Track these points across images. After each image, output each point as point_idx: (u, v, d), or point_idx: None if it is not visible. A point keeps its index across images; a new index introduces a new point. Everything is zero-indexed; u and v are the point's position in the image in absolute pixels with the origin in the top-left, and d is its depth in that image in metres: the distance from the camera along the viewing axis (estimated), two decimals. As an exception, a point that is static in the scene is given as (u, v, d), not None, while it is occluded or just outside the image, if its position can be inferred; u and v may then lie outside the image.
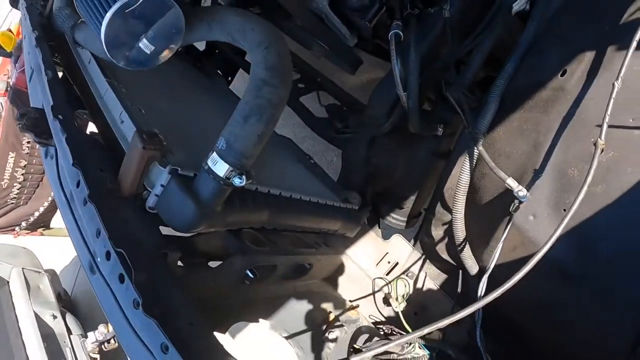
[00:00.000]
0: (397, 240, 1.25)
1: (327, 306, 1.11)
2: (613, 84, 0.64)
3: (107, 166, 0.73)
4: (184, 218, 0.66)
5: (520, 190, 0.74)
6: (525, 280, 0.62)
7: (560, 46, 0.86)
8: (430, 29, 1.10)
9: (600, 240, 0.68)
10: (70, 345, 2.68)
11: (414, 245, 1.23)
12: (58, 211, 2.86)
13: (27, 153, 2.44)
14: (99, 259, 0.68)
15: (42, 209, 2.61)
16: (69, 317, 2.93)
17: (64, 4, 1.04)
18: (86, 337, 2.73)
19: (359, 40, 1.11)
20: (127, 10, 0.62)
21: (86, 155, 0.73)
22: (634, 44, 0.63)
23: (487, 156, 0.82)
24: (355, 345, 0.98)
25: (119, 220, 0.67)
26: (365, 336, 1.03)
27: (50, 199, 2.64)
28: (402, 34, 0.98)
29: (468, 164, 0.91)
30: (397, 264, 1.21)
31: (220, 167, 0.64)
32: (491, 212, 0.88)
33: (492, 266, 0.75)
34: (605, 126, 0.62)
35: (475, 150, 0.89)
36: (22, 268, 2.89)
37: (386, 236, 1.30)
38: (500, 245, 0.76)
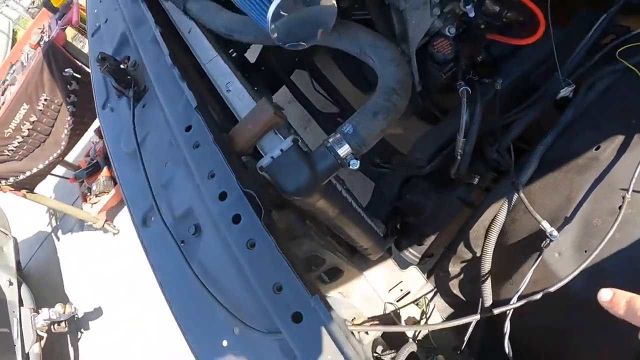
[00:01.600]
0: (413, 271, 1.35)
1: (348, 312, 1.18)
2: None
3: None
4: (295, 182, 0.75)
5: (552, 230, 0.89)
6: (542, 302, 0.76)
7: (594, 129, 1.05)
8: (483, 95, 1.28)
9: (610, 277, 0.82)
10: (18, 317, 2.53)
11: (427, 278, 1.33)
12: (45, 179, 2.79)
13: (40, 110, 2.44)
14: (208, 201, 0.75)
15: (35, 170, 2.56)
16: (24, 289, 2.80)
17: None
18: (38, 313, 2.59)
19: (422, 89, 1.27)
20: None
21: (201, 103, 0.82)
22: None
23: (526, 201, 0.97)
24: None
25: (241, 166, 0.74)
26: (380, 347, 1.10)
27: (46, 162, 2.59)
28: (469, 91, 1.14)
29: (506, 207, 1.05)
30: (408, 292, 1.30)
31: (343, 148, 0.74)
32: (518, 251, 1.02)
33: (522, 288, 0.87)
34: (631, 189, 0.80)
35: (514, 197, 1.04)
36: (-9, 225, 2.77)
37: (402, 266, 1.39)
38: (530, 273, 0.89)
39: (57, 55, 2.36)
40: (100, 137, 3.39)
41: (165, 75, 0.92)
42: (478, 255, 1.29)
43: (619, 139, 0.96)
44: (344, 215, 1.01)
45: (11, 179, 2.56)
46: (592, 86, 1.12)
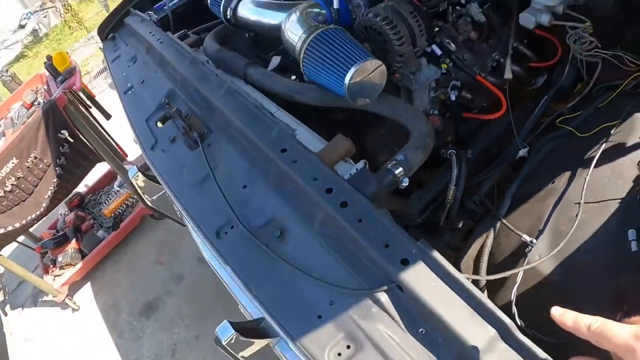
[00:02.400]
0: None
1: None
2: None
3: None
4: (370, 190, 1.01)
5: (531, 240, 1.22)
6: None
7: (548, 172, 1.42)
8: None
9: (579, 265, 1.15)
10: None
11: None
12: (13, 244, 2.68)
13: (28, 167, 2.51)
14: (316, 197, 0.96)
15: (9, 228, 2.52)
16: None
17: (224, 49, 1.47)
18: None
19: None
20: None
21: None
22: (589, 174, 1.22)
23: (510, 225, 1.30)
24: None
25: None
26: None
27: (23, 222, 2.56)
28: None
29: (493, 234, 1.38)
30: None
31: (398, 170, 1.04)
32: (506, 265, 1.31)
33: (517, 283, 1.17)
34: (582, 199, 1.16)
35: (497, 226, 1.37)
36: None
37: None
38: (521, 274, 1.18)
39: (55, 116, 2.49)
40: (71, 209, 3.37)
41: (248, 117, 1.18)
42: (471, 280, 1.56)
43: (568, 173, 1.33)
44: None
45: (-21, 232, 2.47)
46: (541, 148, 1.54)
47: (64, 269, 3.04)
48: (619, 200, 1.23)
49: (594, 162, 1.26)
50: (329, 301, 0.86)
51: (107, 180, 3.59)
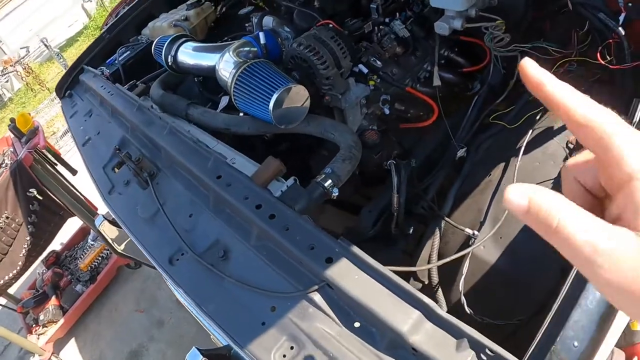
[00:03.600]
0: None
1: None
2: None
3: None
4: (301, 205, 1.09)
5: (474, 232, 1.30)
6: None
7: (484, 166, 1.52)
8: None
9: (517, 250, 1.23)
10: None
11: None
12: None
13: (1, 227, 2.52)
14: (247, 213, 1.04)
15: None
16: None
17: (168, 94, 1.57)
18: None
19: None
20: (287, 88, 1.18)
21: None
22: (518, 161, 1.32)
23: (451, 220, 1.39)
24: None
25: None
26: None
27: (1, 282, 2.56)
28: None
29: (439, 233, 1.46)
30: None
31: (327, 182, 1.13)
32: (454, 261, 1.39)
33: (464, 273, 1.24)
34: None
35: (442, 225, 1.46)
36: None
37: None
38: (467, 263, 1.26)
39: (22, 175, 2.54)
40: (48, 267, 3.37)
41: (188, 152, 1.27)
42: (427, 283, 1.63)
43: (502, 164, 1.43)
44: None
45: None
46: (478, 146, 1.65)
47: (46, 326, 3.01)
48: (552, 181, 1.34)
49: (522, 149, 1.37)
50: (270, 307, 0.93)
51: (81, 236, 3.61)
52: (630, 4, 1.27)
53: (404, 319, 0.81)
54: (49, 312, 3.04)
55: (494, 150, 1.61)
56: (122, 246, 2.17)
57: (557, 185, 1.27)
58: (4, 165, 2.67)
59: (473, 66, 1.87)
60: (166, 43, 1.71)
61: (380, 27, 1.72)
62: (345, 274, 0.86)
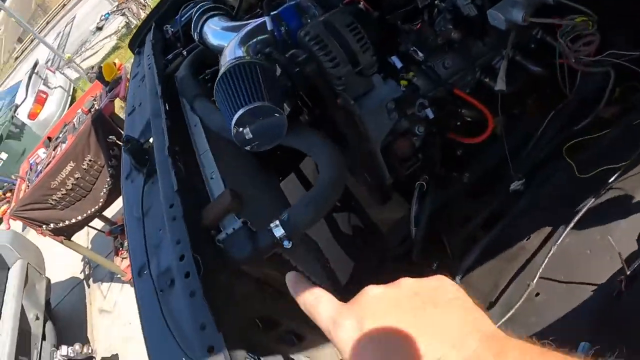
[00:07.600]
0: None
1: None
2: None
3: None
4: (241, 255, 0.93)
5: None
6: None
7: (528, 226, 1.17)
8: (448, 186, 1.45)
9: None
10: (39, 349, 2.75)
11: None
12: (82, 229, 3.13)
13: (85, 169, 2.80)
14: (173, 261, 0.94)
15: (73, 220, 2.89)
16: (49, 325, 3.05)
17: (188, 77, 1.43)
18: (57, 349, 2.80)
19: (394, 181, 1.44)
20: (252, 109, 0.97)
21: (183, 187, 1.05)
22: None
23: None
24: None
25: (201, 239, 0.95)
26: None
27: (85, 215, 2.92)
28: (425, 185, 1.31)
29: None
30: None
31: (279, 232, 0.93)
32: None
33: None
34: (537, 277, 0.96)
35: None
36: (28, 263, 3.09)
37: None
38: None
39: (103, 123, 2.76)
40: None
41: (164, 163, 1.17)
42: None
43: (546, 230, 1.09)
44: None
45: (52, 225, 2.90)
46: (540, 185, 1.26)
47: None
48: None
49: (568, 228, 0.98)
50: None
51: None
52: None
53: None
54: (132, 238, 3.43)
55: (552, 194, 1.20)
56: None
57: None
58: (93, 110, 2.92)
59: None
60: (194, 14, 1.57)
61: (435, 1, 1.31)
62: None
